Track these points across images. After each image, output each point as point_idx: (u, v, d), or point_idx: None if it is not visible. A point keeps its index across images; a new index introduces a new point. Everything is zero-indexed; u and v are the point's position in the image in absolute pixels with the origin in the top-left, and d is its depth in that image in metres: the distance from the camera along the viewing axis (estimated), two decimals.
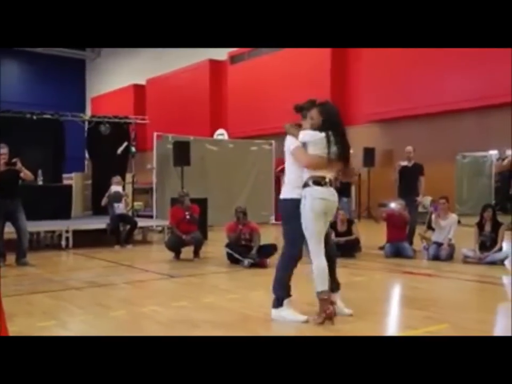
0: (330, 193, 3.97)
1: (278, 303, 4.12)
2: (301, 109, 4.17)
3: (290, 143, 4.10)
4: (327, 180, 3.94)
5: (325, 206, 3.93)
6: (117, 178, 9.58)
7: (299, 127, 4.13)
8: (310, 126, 4.01)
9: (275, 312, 4.12)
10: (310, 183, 3.91)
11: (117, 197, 9.20)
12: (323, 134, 3.93)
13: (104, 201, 9.27)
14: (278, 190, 13.98)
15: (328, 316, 3.92)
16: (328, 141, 3.91)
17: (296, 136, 4.04)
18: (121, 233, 9.15)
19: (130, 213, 10.05)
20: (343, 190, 8.48)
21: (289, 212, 4.06)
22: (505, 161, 7.26)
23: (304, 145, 3.99)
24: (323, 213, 3.94)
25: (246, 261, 6.79)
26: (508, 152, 7.75)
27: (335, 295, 4.20)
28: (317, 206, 3.90)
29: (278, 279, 4.14)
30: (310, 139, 3.96)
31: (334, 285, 4.23)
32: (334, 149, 3.92)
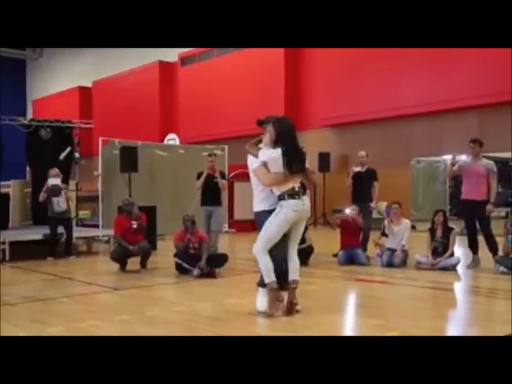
0: (301, 204, 4.38)
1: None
2: (261, 124, 4.51)
3: (251, 162, 4.50)
4: (296, 189, 4.36)
5: (298, 217, 4.40)
6: (54, 170, 8.91)
7: (259, 142, 4.55)
8: (268, 140, 4.39)
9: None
10: (286, 197, 4.33)
11: (56, 191, 8.56)
12: (279, 152, 4.29)
13: (42, 196, 8.63)
14: (231, 197, 13.77)
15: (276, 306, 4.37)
16: (284, 158, 4.28)
17: (255, 155, 4.43)
18: (58, 242, 8.60)
19: (70, 211, 9.18)
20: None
21: (262, 222, 4.47)
22: (456, 167, 7.27)
23: (265, 163, 4.36)
24: (293, 222, 4.39)
25: (195, 271, 6.55)
26: (459, 157, 7.80)
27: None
28: (290, 217, 4.34)
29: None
30: (268, 158, 4.34)
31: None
32: (290, 164, 4.30)
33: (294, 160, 4.33)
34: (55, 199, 8.53)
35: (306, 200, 4.44)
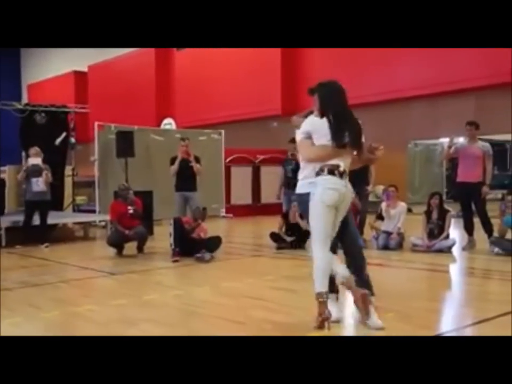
0: (343, 185, 3.52)
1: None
2: (312, 92, 3.74)
3: (297, 136, 3.75)
4: (341, 169, 3.52)
5: (337, 198, 3.49)
6: (35, 149, 8.33)
7: (310, 113, 3.76)
8: (315, 110, 3.68)
9: None
10: (324, 171, 3.51)
11: (35, 171, 8.12)
12: (324, 119, 3.53)
13: (21, 175, 8.25)
14: (227, 181, 13.73)
15: (324, 319, 3.54)
16: (330, 126, 3.49)
17: (298, 127, 3.73)
18: (30, 225, 8.17)
19: (49, 194, 8.42)
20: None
21: (307, 207, 3.62)
22: (452, 149, 7.26)
23: (309, 136, 3.61)
24: (333, 206, 3.50)
25: (208, 255, 6.56)
26: (456, 140, 7.77)
27: (371, 298, 3.74)
28: (328, 197, 3.47)
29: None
30: (311, 128, 3.60)
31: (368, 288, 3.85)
32: (337, 135, 3.48)
33: (342, 130, 3.50)
34: (34, 179, 8.08)
35: (349, 185, 3.58)
